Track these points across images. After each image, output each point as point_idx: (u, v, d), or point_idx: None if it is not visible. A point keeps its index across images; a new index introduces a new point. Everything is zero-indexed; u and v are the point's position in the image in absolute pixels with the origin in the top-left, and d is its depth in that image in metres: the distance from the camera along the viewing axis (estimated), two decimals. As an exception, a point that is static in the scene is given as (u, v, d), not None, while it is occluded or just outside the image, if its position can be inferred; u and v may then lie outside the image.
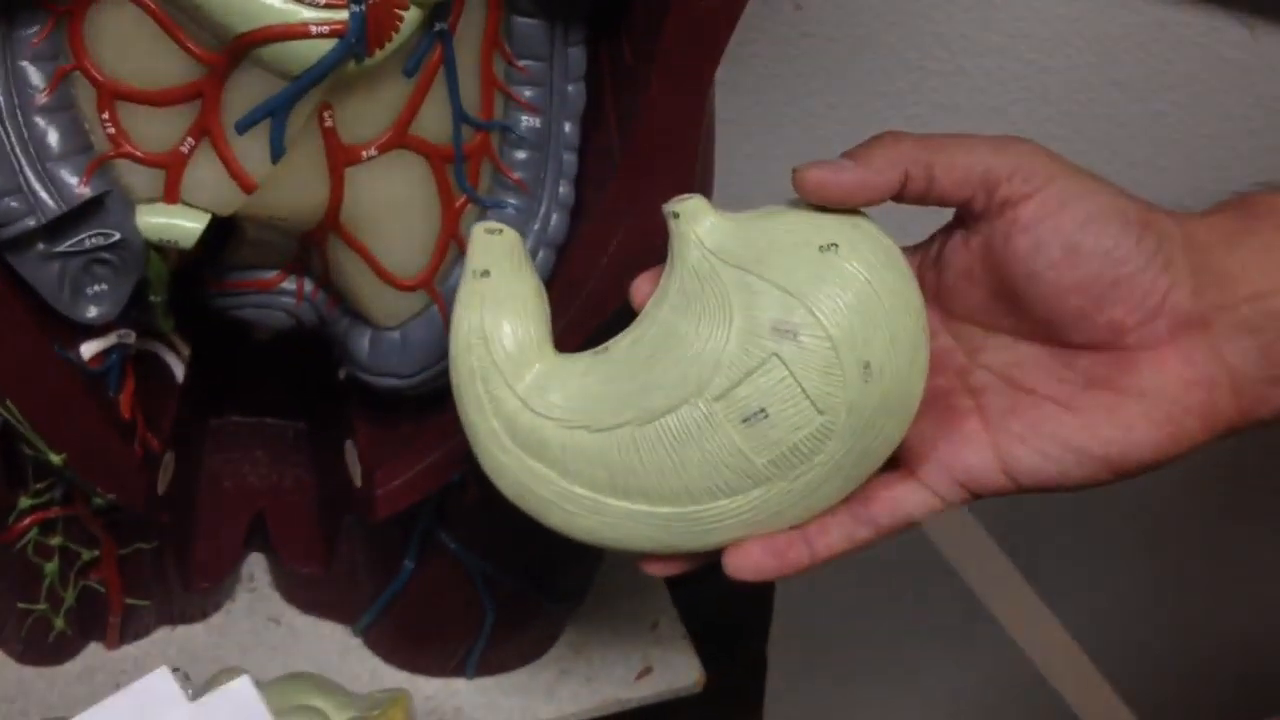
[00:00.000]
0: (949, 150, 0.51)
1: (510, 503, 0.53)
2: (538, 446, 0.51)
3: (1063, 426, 0.51)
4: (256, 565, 0.77)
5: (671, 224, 0.52)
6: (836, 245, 0.50)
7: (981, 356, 0.54)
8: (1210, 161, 0.96)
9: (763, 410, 0.49)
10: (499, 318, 0.52)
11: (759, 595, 0.86)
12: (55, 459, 0.58)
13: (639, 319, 0.52)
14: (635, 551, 0.53)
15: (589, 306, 0.58)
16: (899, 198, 0.51)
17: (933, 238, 0.55)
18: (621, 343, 0.52)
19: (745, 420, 0.50)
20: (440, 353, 0.61)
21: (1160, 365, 0.50)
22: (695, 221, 0.51)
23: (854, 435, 0.50)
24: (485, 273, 0.52)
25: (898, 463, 0.53)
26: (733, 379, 0.50)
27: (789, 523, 0.52)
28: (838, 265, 0.50)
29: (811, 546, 0.52)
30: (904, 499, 0.52)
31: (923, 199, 0.51)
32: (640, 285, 0.53)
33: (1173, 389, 0.50)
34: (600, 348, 0.52)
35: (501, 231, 0.53)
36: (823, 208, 0.51)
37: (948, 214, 0.54)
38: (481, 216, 0.59)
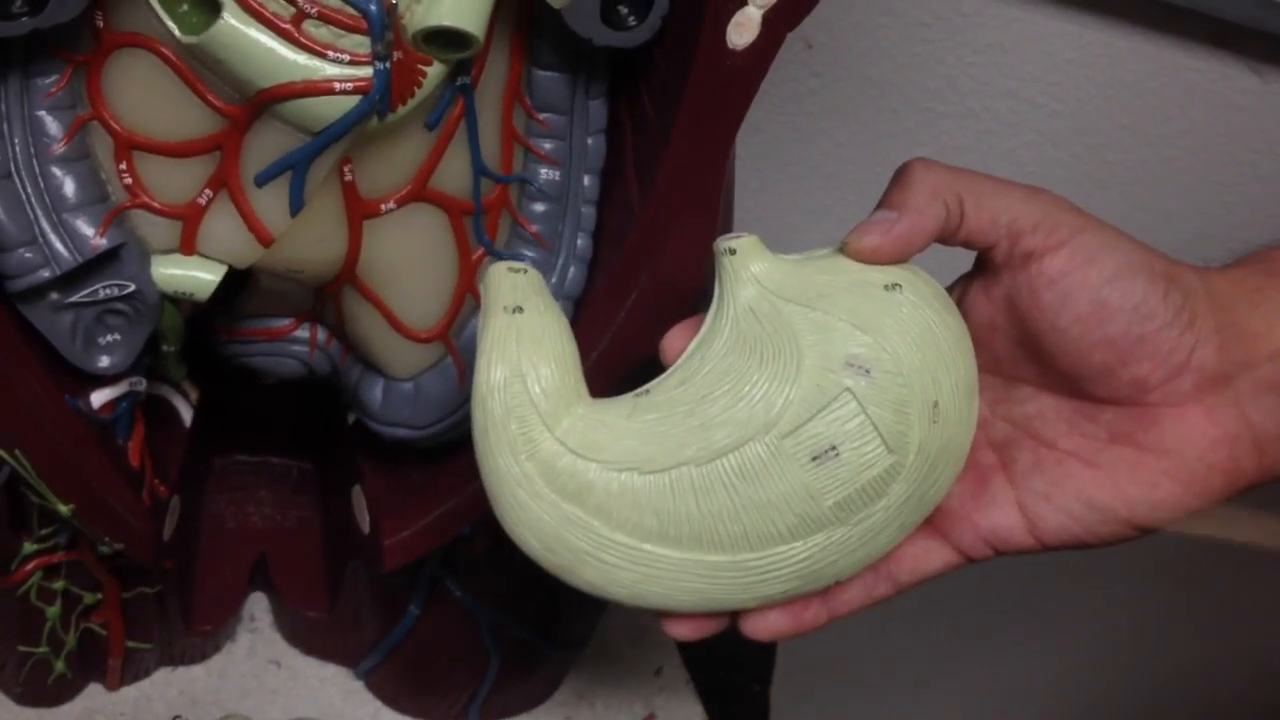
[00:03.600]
0: (980, 188, 0.50)
1: (530, 556, 0.50)
2: (578, 491, 0.48)
3: (1087, 484, 0.51)
4: (257, 605, 0.76)
5: (724, 261, 0.49)
6: (900, 285, 0.49)
7: (1002, 409, 0.53)
8: (1219, 207, 0.96)
9: (834, 448, 0.48)
10: (537, 356, 0.48)
11: (762, 639, 0.86)
12: (64, 509, 0.57)
13: (683, 361, 0.50)
14: (673, 609, 0.50)
15: (605, 361, 0.58)
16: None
17: (951, 287, 0.54)
18: (666, 384, 0.50)
19: (815, 458, 0.48)
20: (454, 405, 0.60)
21: (1184, 423, 0.50)
22: (751, 260, 0.49)
23: (917, 479, 0.49)
24: (518, 309, 0.48)
25: (927, 520, 0.52)
26: (803, 415, 0.48)
27: (834, 577, 0.50)
28: (904, 304, 0.49)
29: (829, 604, 0.52)
30: (928, 556, 0.52)
31: (950, 237, 0.50)
32: (673, 339, 0.51)
33: (1197, 447, 0.50)
34: (639, 391, 0.50)
35: (526, 270, 0.50)
36: None
37: (942, 262, 0.53)
38: (499, 270, 0.59)
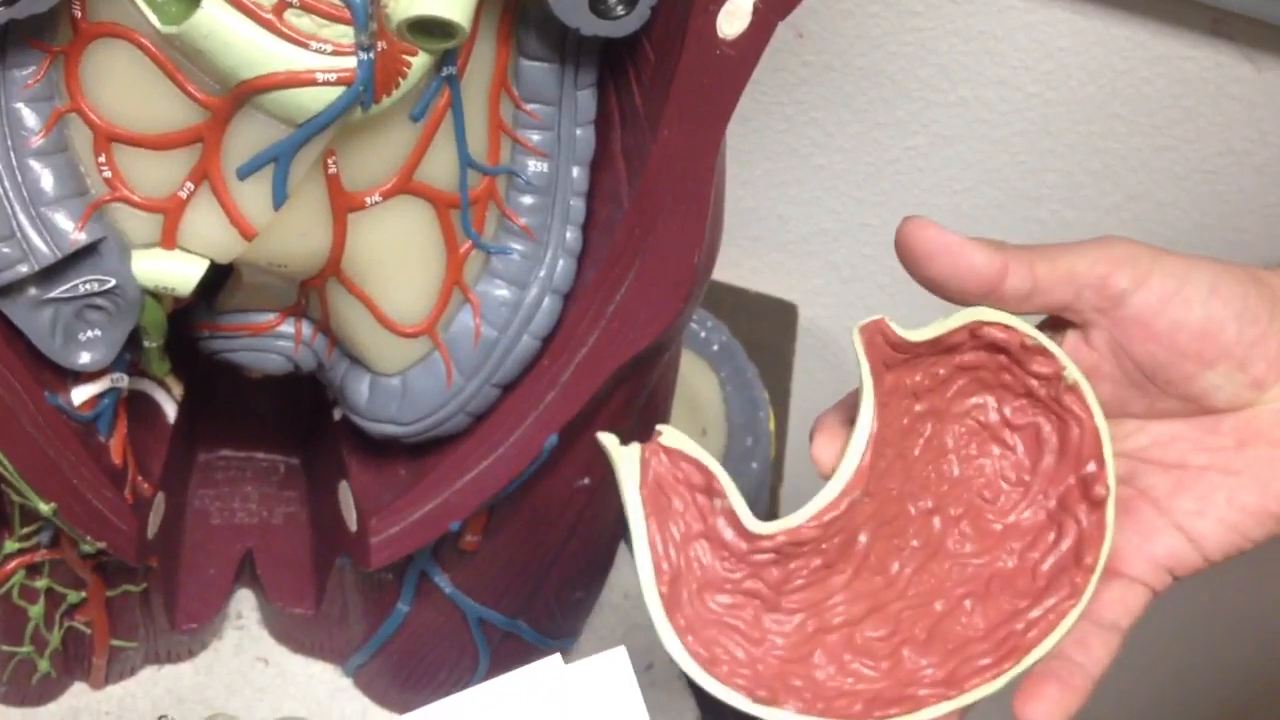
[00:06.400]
0: (1048, 253, 0.51)
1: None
2: None
3: (1235, 491, 0.51)
4: (244, 602, 0.75)
5: None
6: None
7: (1115, 445, 0.53)
8: (1212, 196, 0.96)
9: None
10: None
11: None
12: (45, 508, 0.56)
13: None
14: None
15: (595, 357, 0.57)
16: (1000, 300, 0.50)
17: None
18: None
19: None
20: (441, 401, 0.60)
21: None
22: None
23: None
24: None
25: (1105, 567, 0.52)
26: None
27: None
28: None
29: (1084, 668, 0.51)
30: (1129, 598, 0.52)
31: (1025, 300, 0.51)
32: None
33: None
34: None
35: None
36: None
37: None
38: (486, 263, 0.58)
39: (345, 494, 0.66)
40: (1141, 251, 0.51)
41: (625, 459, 0.47)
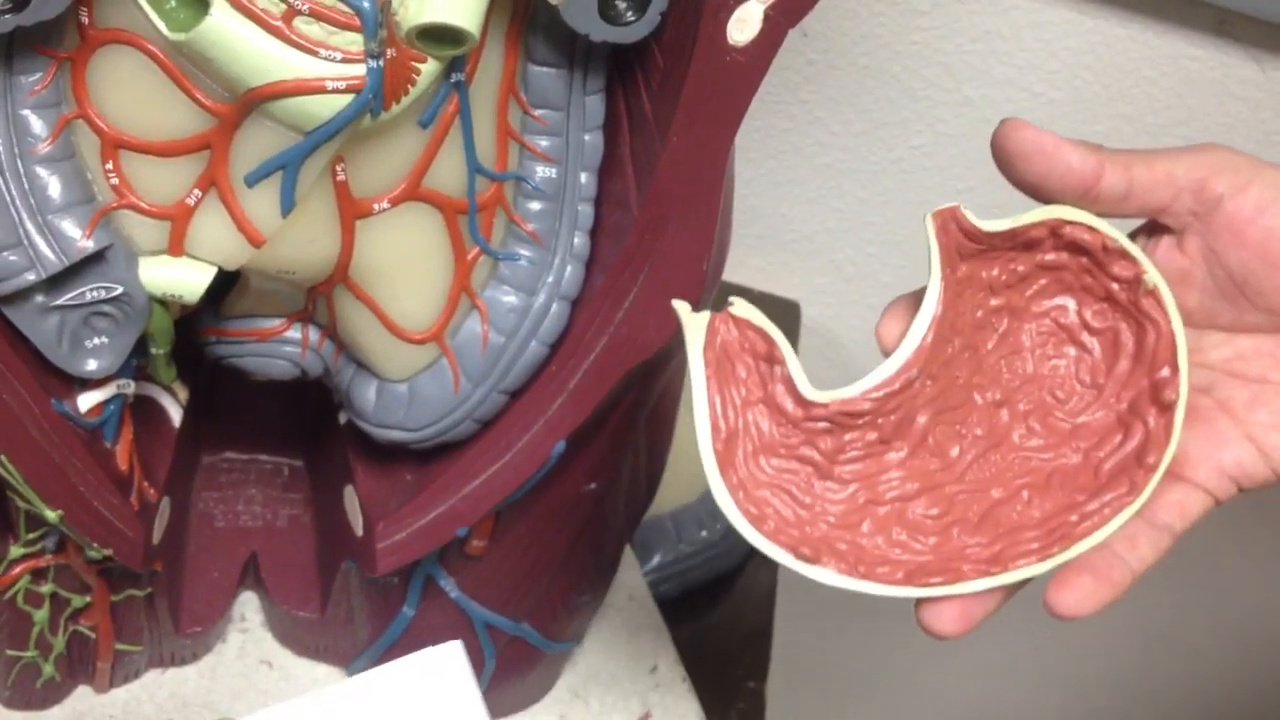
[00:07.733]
0: (1145, 156, 0.51)
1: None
2: None
3: None
4: (248, 605, 0.75)
5: None
6: None
7: (1198, 356, 0.53)
8: (1217, 197, 0.95)
9: None
10: None
11: (757, 635, 0.85)
12: (51, 515, 0.56)
13: None
14: None
15: (603, 363, 0.57)
16: (1096, 201, 0.50)
17: None
18: None
19: None
20: (449, 408, 0.59)
21: None
22: None
23: None
24: None
25: (1169, 471, 0.52)
26: None
27: None
28: None
29: (1128, 563, 0.51)
30: (1187, 502, 0.52)
31: (1122, 202, 0.51)
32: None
33: None
34: None
35: None
36: None
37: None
38: (494, 269, 0.58)
39: (351, 499, 0.66)
40: (1242, 161, 0.51)
41: (694, 324, 0.49)
